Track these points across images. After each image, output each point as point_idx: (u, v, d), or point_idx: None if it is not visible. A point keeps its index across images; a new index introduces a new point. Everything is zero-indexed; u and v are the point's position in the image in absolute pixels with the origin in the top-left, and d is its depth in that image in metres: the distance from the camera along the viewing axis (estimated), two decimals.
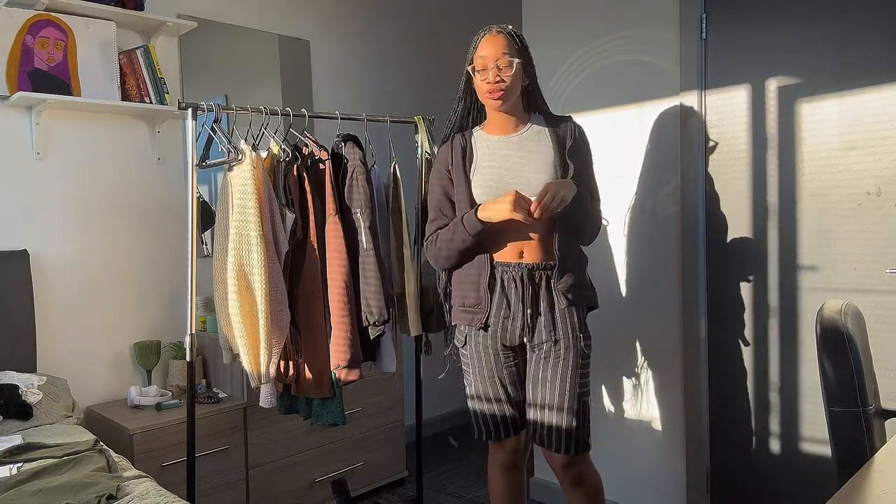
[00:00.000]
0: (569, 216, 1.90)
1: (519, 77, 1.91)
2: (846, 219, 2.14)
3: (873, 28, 2.05)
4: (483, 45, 1.90)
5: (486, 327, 1.94)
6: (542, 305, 1.91)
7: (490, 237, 1.92)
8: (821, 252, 2.19)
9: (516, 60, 1.88)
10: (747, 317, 2.36)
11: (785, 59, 2.23)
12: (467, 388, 2.04)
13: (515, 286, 1.90)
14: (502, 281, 1.92)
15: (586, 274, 2.00)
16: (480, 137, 2.01)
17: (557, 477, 2.01)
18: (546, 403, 1.92)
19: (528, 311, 1.90)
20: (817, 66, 2.17)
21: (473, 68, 1.92)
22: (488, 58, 1.88)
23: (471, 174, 1.97)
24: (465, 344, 2.02)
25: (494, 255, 1.93)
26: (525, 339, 1.93)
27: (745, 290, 2.36)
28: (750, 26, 2.30)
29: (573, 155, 1.93)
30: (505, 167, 1.93)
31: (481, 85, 1.91)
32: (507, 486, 2.10)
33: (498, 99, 1.89)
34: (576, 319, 1.92)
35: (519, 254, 1.91)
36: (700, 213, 2.43)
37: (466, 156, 1.99)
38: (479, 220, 1.87)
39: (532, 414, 1.96)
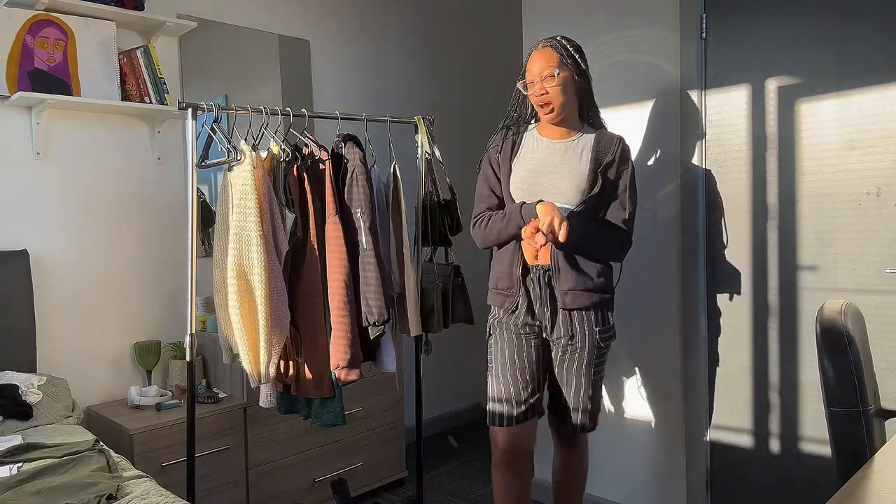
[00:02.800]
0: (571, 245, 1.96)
1: (565, 88, 1.95)
2: (846, 219, 2.14)
3: (873, 28, 2.05)
4: (531, 60, 1.98)
5: (515, 310, 2.04)
6: (558, 303, 2.00)
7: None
8: (821, 252, 2.19)
9: (558, 71, 1.93)
10: (747, 317, 2.36)
11: (785, 59, 2.23)
12: (489, 379, 2.11)
13: (534, 284, 2.02)
14: (530, 276, 2.03)
15: (594, 278, 2.02)
16: (532, 135, 2.10)
17: (556, 442, 2.19)
18: (566, 404, 2.07)
19: (546, 309, 2.01)
20: (817, 66, 2.17)
21: (525, 84, 2.00)
22: (534, 72, 1.96)
23: (513, 164, 2.06)
24: (490, 335, 2.12)
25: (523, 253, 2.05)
26: (545, 335, 2.04)
27: (745, 290, 2.36)
28: (750, 26, 2.30)
29: (606, 171, 2.00)
30: (541, 169, 2.02)
31: (533, 100, 2.00)
32: (509, 489, 2.09)
33: (549, 113, 1.97)
34: (592, 317, 2.01)
35: (534, 255, 2.02)
36: (700, 214, 2.43)
37: (514, 147, 2.09)
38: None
39: (553, 400, 2.13)
